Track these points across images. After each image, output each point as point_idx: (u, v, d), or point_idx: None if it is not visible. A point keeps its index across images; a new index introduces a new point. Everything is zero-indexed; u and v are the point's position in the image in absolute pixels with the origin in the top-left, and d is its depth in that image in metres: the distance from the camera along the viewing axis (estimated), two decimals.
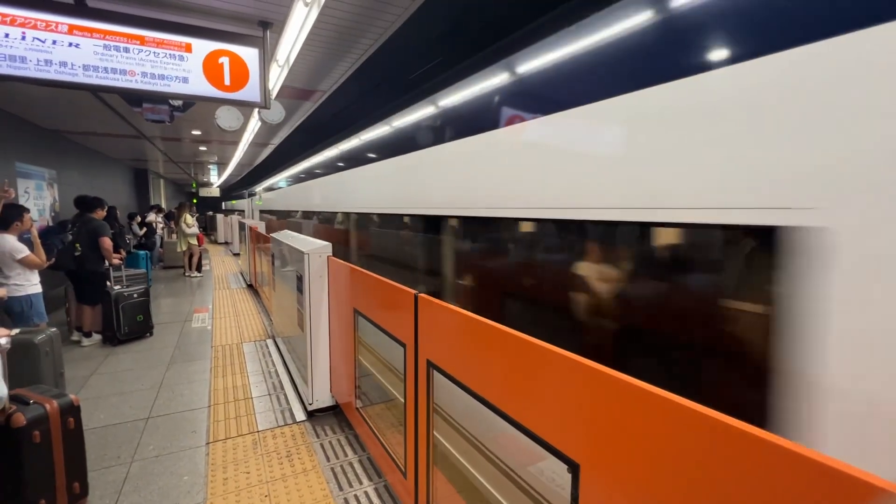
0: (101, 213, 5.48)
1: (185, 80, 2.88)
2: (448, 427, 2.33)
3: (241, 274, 10.46)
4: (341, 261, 3.09)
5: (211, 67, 2.95)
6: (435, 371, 1.80)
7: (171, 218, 13.38)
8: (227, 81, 2.99)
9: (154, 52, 2.80)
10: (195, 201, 27.34)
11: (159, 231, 11.47)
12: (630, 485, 0.98)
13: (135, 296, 5.34)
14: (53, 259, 4.96)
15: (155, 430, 3.21)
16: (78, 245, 5.05)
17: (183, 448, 2.97)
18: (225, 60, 2.97)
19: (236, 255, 14.22)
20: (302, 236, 4.63)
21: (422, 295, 1.90)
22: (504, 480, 2.06)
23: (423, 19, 3.34)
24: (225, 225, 18.73)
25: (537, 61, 2.14)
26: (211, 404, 3.63)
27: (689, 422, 0.85)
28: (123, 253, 6.26)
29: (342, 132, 5.97)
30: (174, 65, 2.83)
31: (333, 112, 7.01)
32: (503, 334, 1.37)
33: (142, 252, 8.36)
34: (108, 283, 5.48)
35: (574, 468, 1.11)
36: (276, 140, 9.83)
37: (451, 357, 1.70)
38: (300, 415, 3.46)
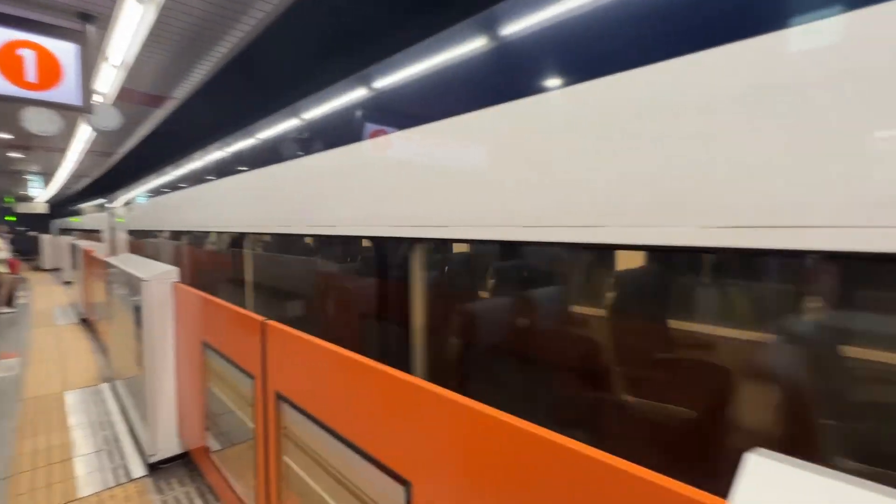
0: None
1: None
2: (306, 459, 2.20)
3: (73, 306, 8.69)
4: (189, 287, 2.75)
5: (7, 60, 2.43)
6: (284, 403, 1.69)
7: None
8: (30, 78, 2.49)
9: None
10: (11, 219, 22.11)
11: None
12: (459, 501, 1.02)
13: None
14: None
15: None
16: None
17: None
18: (28, 53, 2.47)
19: (68, 283, 11.79)
20: (146, 260, 4.04)
21: (269, 322, 1.77)
22: None
23: (288, 26, 3.21)
24: (53, 248, 15.46)
25: (407, 72, 2.12)
26: (11, 474, 2.89)
27: (515, 438, 0.89)
28: None
29: (204, 142, 5.21)
30: None
31: (192, 120, 6.33)
32: (343, 359, 1.35)
33: None
34: None
35: (406, 486, 1.12)
36: (124, 149, 8.54)
37: (296, 385, 1.62)
38: (138, 470, 2.95)
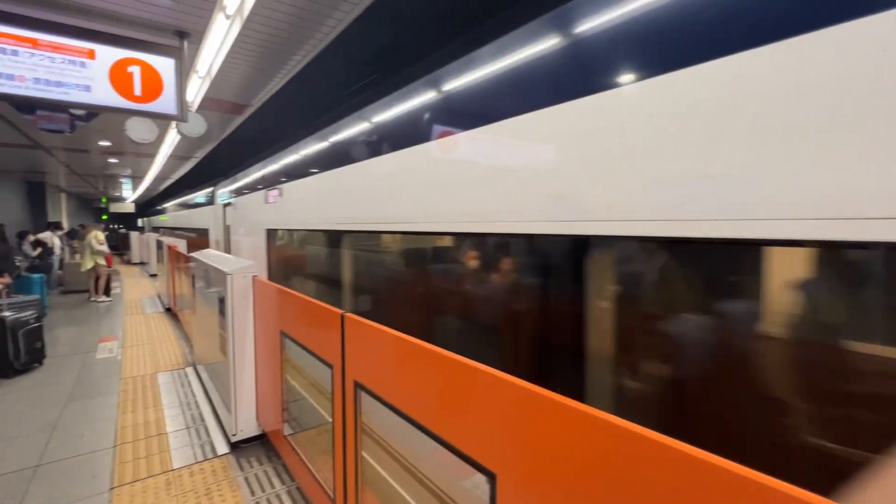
0: None
1: (88, 88, 2.65)
2: (380, 449, 2.30)
3: (159, 297, 9.60)
4: (267, 281, 2.96)
5: (119, 76, 2.74)
6: (363, 392, 1.78)
7: (74, 236, 12.03)
8: (137, 92, 2.79)
9: (49, 57, 2.54)
10: (105, 217, 24.80)
11: (57, 251, 10.23)
12: (544, 492, 1.04)
13: (31, 321, 4.89)
14: None
15: (46, 478, 2.82)
16: None
17: (80, 497, 2.63)
18: (135, 69, 2.77)
19: (154, 276, 13.04)
20: (226, 255, 4.38)
21: (348, 314, 1.87)
22: (436, 497, 2.06)
23: (354, 37, 3.37)
24: (140, 244, 17.13)
25: (470, 75, 2.17)
26: (117, 444, 3.26)
27: (601, 431, 0.90)
28: (8, 278, 5.53)
29: (278, 145, 5.16)
30: (74, 71, 2.60)
31: (263, 126, 6.77)
32: (426, 351, 1.40)
33: (36, 275, 7.41)
34: None
35: (491, 478, 1.15)
36: (201, 153, 9.28)
37: (376, 376, 1.70)
38: (222, 447, 3.22)
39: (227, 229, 6.64)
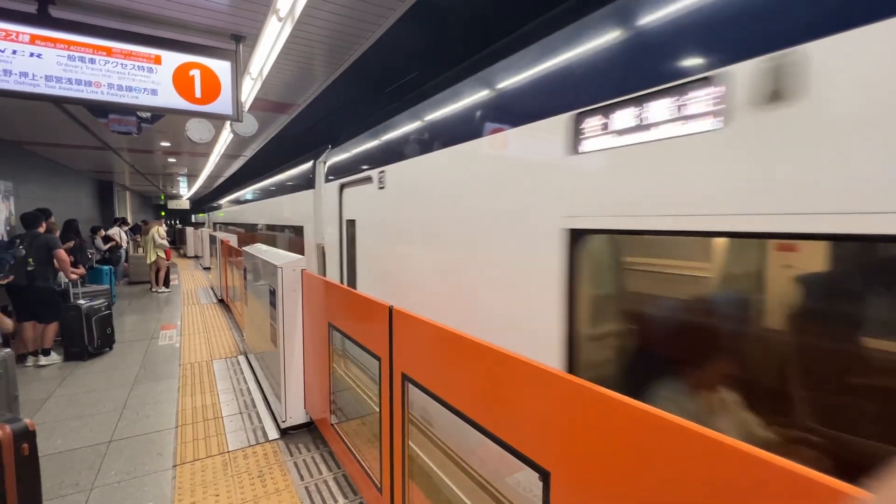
0: (44, 226, 5.12)
1: (155, 91, 2.84)
2: (425, 440, 2.33)
3: (212, 289, 10.16)
4: (315, 274, 3.06)
5: (181, 80, 2.91)
6: (410, 384, 1.81)
7: (137, 231, 12.95)
8: (198, 94, 2.95)
9: (122, 64, 2.74)
10: (163, 214, 26.55)
11: (124, 245, 11.04)
12: (598, 491, 1.01)
13: (102, 309, 5.34)
14: (11, 277, 4.73)
15: (118, 454, 3.06)
16: (31, 260, 4.83)
17: (148, 472, 2.84)
18: (196, 73, 2.93)
19: (207, 269, 13.81)
20: (274, 249, 4.56)
21: (396, 307, 1.90)
22: (481, 492, 2.06)
23: (398, 36, 3.41)
24: (195, 238, 18.18)
25: (511, 74, 2.12)
26: (178, 425, 3.49)
27: (656, 429, 0.88)
28: (83, 269, 6.03)
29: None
30: (143, 76, 2.78)
31: (307, 125, 6.99)
32: (476, 346, 1.40)
33: (105, 267, 8.04)
34: (70, 298, 5.32)
35: (545, 476, 1.14)
36: (249, 152, 9.70)
37: (425, 369, 1.71)
38: (273, 433, 3.37)
39: (346, 227, 3.90)
